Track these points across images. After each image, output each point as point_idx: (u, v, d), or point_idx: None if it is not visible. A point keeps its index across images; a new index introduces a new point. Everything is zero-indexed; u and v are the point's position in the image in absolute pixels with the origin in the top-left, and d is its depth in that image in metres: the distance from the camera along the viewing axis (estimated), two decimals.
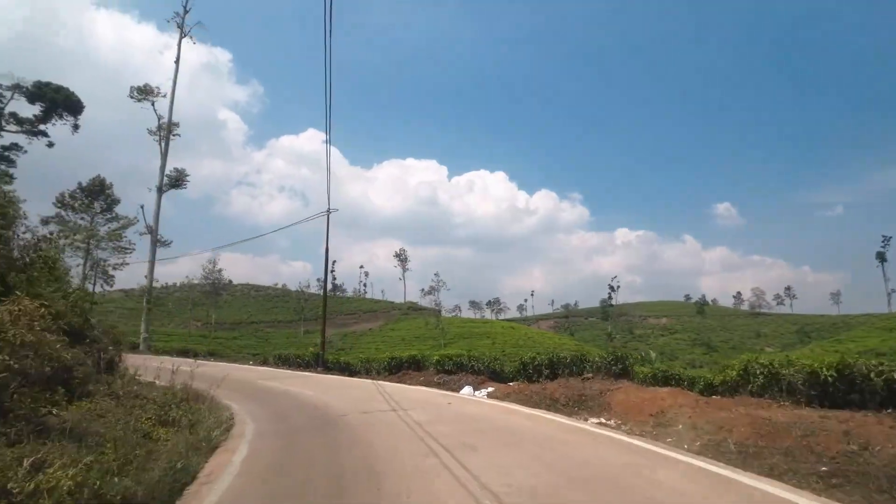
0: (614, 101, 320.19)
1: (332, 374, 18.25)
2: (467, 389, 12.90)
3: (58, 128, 56.27)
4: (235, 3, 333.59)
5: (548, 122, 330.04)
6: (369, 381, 16.05)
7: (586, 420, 9.09)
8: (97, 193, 56.62)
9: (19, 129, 54.21)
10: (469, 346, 65.57)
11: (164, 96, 32.39)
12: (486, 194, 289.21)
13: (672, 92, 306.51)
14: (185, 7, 31.81)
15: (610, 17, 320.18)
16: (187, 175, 32.04)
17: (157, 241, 31.25)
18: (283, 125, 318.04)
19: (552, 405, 10.45)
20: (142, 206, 30.87)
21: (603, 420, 9.00)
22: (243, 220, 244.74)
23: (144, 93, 31.81)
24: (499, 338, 66.46)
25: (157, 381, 12.41)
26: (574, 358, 12.36)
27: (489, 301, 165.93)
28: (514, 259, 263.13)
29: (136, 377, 11.91)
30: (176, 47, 32.08)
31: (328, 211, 19.50)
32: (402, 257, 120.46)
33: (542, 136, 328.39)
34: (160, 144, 31.67)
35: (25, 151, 55.71)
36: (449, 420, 9.12)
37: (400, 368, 16.64)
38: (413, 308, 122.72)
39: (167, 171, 31.57)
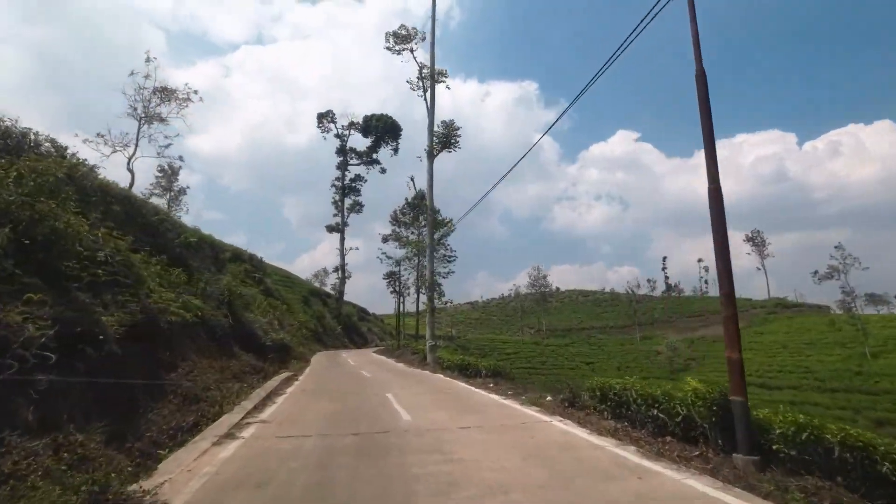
0: None
1: None
2: None
3: (382, 154, 59.43)
4: (535, 35, 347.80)
5: None
6: None
7: None
8: (421, 207, 56.00)
9: (359, 161, 58.49)
10: None
11: (424, 39, 24.39)
12: (863, 154, 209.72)
13: None
14: None
15: None
16: (458, 129, 22.70)
17: (434, 219, 22.98)
18: (592, 135, 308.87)
19: None
20: (411, 178, 23.34)
21: None
22: (567, 232, 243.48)
23: (402, 39, 24.67)
24: None
25: None
26: None
27: None
28: None
29: None
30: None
31: None
32: (756, 241, 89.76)
33: None
34: (424, 98, 23.48)
35: (366, 181, 60.11)
36: None
37: None
38: (782, 305, 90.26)
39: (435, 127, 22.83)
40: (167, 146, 19.38)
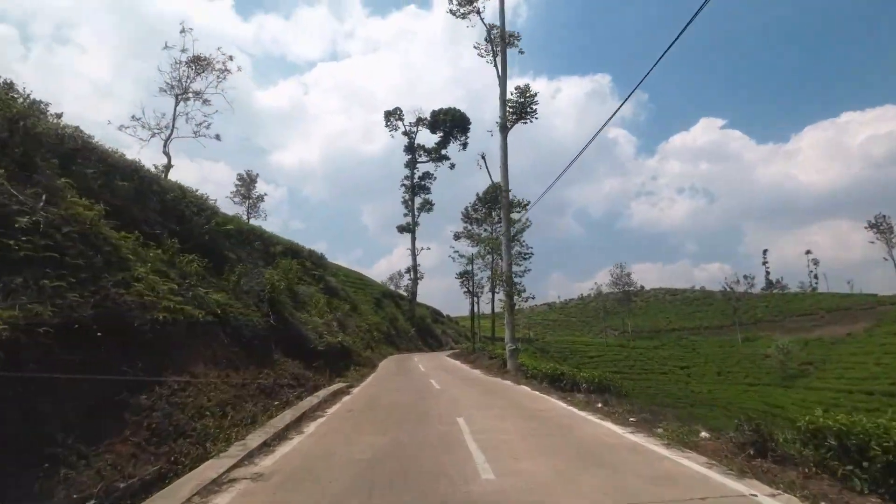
0: None
1: None
2: None
3: (451, 151, 56.44)
4: (605, 26, 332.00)
5: None
6: None
7: None
8: (493, 202, 52.42)
9: (428, 158, 56.01)
10: None
11: None
12: None
13: None
14: None
15: None
16: (534, 94, 18.95)
17: (509, 202, 19.30)
18: (672, 125, 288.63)
19: None
20: (482, 156, 19.84)
21: None
22: (647, 229, 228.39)
23: (466, 0, 21.29)
24: None
25: None
26: None
27: None
28: None
29: None
30: None
31: None
32: (881, 227, 76.11)
33: None
34: (494, 63, 19.93)
35: (435, 178, 57.45)
36: None
37: None
38: None
39: (509, 95, 19.26)
40: (207, 125, 17.45)
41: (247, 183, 57.58)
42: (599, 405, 10.11)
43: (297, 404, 9.26)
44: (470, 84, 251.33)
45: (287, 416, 8.00)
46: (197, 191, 12.20)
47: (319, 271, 23.87)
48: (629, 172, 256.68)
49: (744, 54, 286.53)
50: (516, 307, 20.30)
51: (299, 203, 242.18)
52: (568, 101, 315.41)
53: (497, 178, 19.79)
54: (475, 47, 20.36)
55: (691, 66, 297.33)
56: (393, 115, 52.25)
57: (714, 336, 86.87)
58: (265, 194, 56.13)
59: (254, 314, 11.21)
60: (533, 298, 23.79)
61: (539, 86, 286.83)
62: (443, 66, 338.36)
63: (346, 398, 11.23)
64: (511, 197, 19.85)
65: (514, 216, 20.19)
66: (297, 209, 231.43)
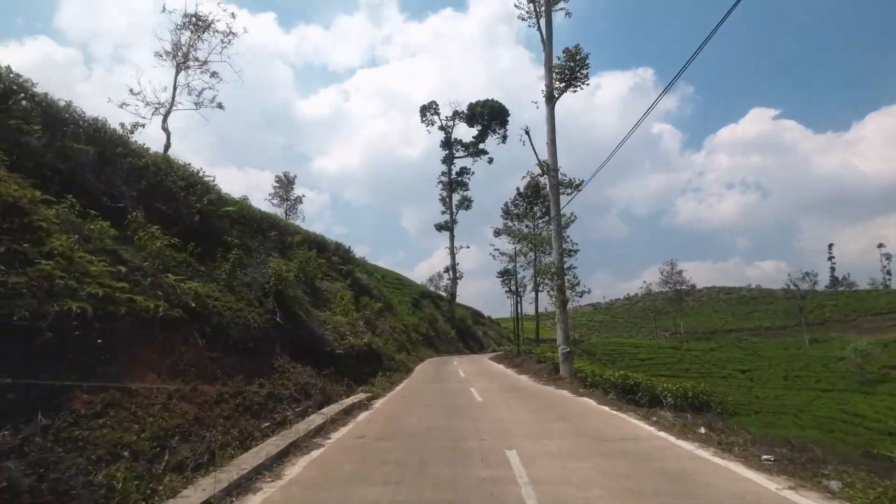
0: None
1: None
2: None
3: (489, 144, 53.72)
4: (647, 19, 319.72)
5: None
6: None
7: None
8: (534, 197, 49.33)
9: (465, 153, 53.50)
10: None
11: None
12: None
13: None
14: None
15: None
16: (585, 57, 16.11)
17: (558, 184, 16.43)
18: (720, 117, 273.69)
19: None
20: (526, 131, 17.08)
21: None
22: (694, 227, 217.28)
23: None
24: None
25: None
26: None
27: None
28: None
29: None
30: None
31: None
32: None
33: None
34: (538, 27, 17.22)
35: (473, 173, 54.77)
36: None
37: None
38: None
39: (554, 61, 16.50)
40: (213, 97, 15.50)
41: (285, 185, 56.97)
42: (702, 430, 7.24)
43: (294, 426, 6.91)
44: (507, 85, 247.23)
45: (266, 449, 5.63)
46: (190, 165, 10.21)
47: (347, 266, 21.78)
48: (675, 168, 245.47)
49: (797, 39, 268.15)
50: (569, 303, 17.40)
51: (341, 208, 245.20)
52: (610, 96, 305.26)
53: (543, 155, 17.00)
54: (516, 6, 17.70)
55: (740, 55, 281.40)
56: (429, 110, 50.12)
57: (776, 337, 80.00)
58: (303, 196, 55.12)
59: (251, 310, 9.01)
60: (588, 292, 20.78)
61: None
62: (480, 68, 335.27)
63: (362, 415, 8.83)
64: (560, 176, 16.97)
65: (562, 200, 17.22)
66: (340, 214, 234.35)
